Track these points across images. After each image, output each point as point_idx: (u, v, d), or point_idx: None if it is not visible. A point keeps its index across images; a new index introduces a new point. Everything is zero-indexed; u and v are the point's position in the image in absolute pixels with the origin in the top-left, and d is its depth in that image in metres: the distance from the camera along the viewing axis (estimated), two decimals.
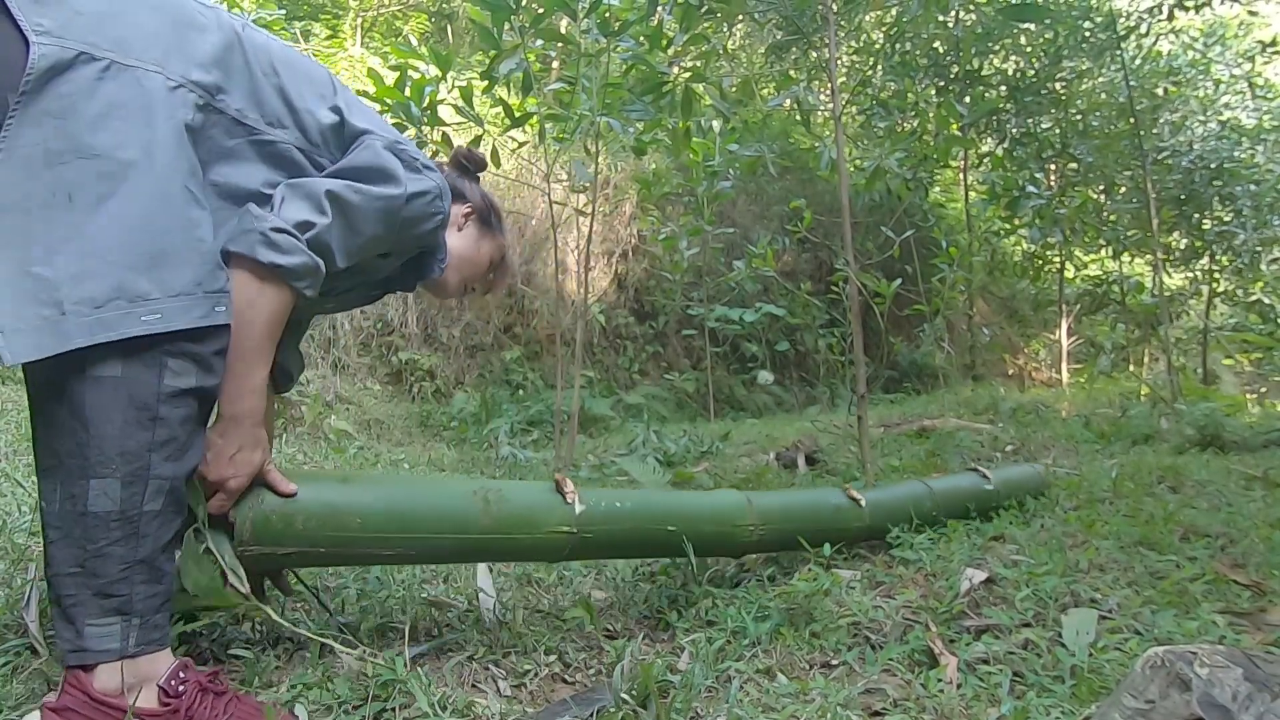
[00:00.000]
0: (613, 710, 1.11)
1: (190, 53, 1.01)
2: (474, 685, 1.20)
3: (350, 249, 1.12)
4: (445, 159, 1.49)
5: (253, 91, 1.07)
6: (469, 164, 1.46)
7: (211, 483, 1.03)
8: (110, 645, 0.90)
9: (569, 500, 1.36)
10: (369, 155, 1.14)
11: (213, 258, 0.99)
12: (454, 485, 1.39)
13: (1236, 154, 7.77)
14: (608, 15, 3.18)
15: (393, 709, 1.08)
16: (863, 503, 1.91)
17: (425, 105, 3.21)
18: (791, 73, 6.04)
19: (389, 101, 3.18)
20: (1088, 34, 6.75)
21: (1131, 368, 9.85)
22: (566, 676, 1.27)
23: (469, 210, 1.40)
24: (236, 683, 1.09)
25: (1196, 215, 8.00)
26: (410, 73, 3.25)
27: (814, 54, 5.76)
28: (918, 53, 6.61)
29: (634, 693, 1.13)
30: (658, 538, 1.50)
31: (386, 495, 1.22)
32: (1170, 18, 6.31)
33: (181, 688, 0.94)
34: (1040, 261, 9.36)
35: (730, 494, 1.74)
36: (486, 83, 3.27)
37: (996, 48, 7.25)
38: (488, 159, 1.53)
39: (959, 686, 1.22)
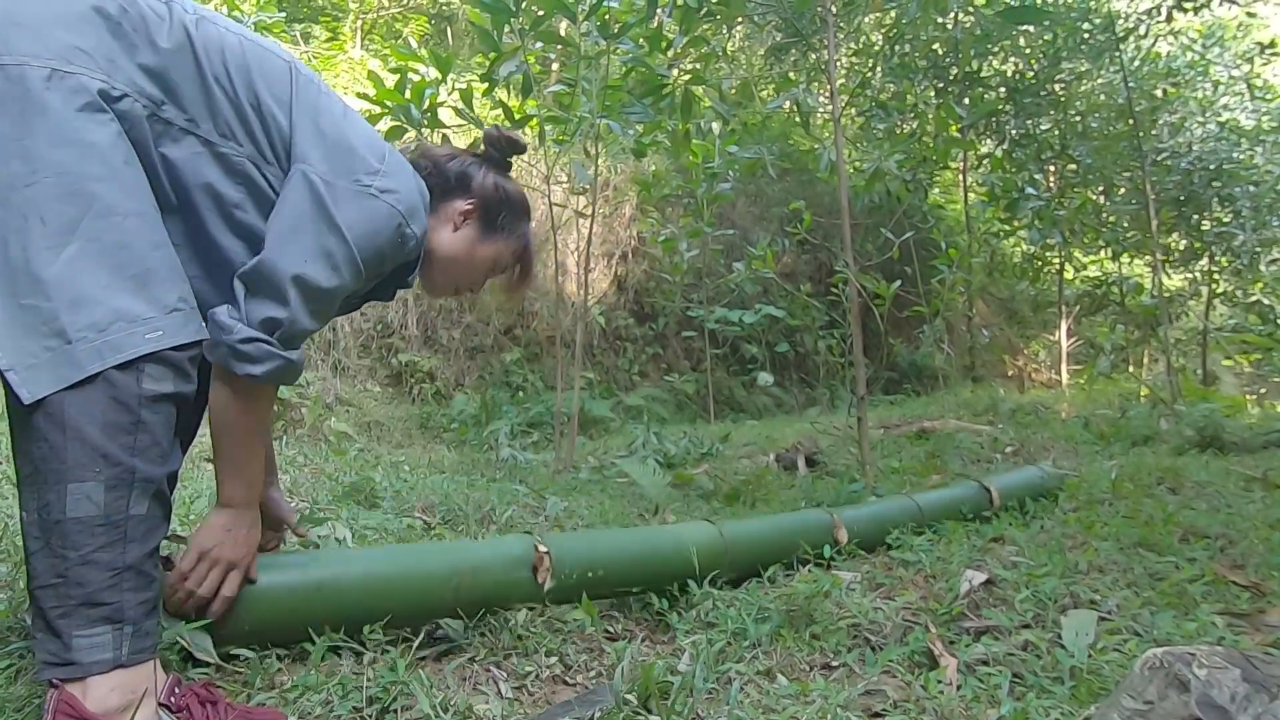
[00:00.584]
0: (614, 712, 1.11)
1: (137, 57, 0.96)
2: (475, 687, 1.20)
3: (322, 312, 1.09)
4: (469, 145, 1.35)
5: (204, 99, 1.02)
6: (497, 148, 1.32)
7: (229, 563, 1.06)
8: (102, 655, 0.86)
9: (539, 580, 1.37)
10: (304, 199, 1.04)
11: (184, 274, 0.99)
12: (427, 570, 1.30)
13: (1235, 155, 7.79)
14: (607, 18, 3.18)
15: (394, 711, 1.08)
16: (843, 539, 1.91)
17: (425, 108, 3.22)
18: (791, 75, 6.04)
19: (389, 104, 3.19)
20: (1086, 35, 6.76)
21: (1131, 369, 9.86)
22: (567, 678, 1.27)
23: (469, 208, 1.26)
24: (239, 684, 1.09)
25: (1196, 216, 8.01)
26: (410, 75, 3.26)
27: (813, 56, 5.77)
28: (917, 54, 6.62)
29: (635, 694, 1.14)
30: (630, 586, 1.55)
31: (357, 585, 1.20)
32: (1169, 19, 6.33)
33: (183, 703, 0.92)
34: (1040, 263, 9.37)
35: (704, 532, 1.69)
36: (486, 85, 3.28)
37: (995, 49, 7.26)
38: (524, 143, 1.35)
39: (959, 688, 1.22)
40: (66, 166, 0.87)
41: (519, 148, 1.33)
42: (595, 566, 1.46)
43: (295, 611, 1.16)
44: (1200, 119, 8.23)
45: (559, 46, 3.52)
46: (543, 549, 1.39)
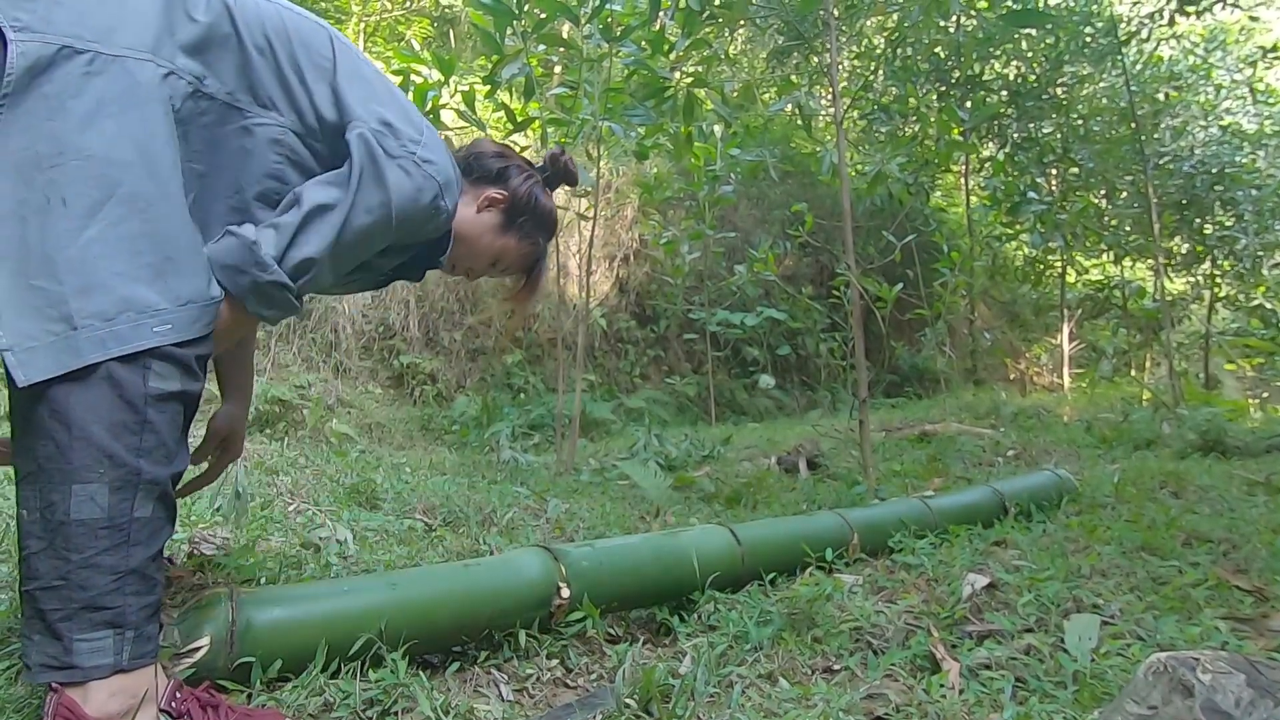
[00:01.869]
0: (615, 715, 1.11)
1: (178, 33, 0.95)
2: (476, 690, 1.20)
3: (342, 269, 1.08)
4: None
5: (243, 70, 1.01)
6: (554, 169, 1.37)
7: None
8: (103, 660, 0.84)
9: (553, 616, 1.35)
10: (359, 156, 1.03)
11: (207, 268, 0.97)
12: (448, 616, 1.25)
13: (1238, 159, 7.79)
14: (609, 20, 3.19)
15: (394, 714, 1.08)
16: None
17: (428, 110, 3.23)
18: (793, 78, 6.05)
19: None
20: (1089, 39, 6.77)
21: (1133, 372, 9.85)
22: (568, 681, 1.27)
23: (499, 197, 1.28)
24: (240, 684, 1.09)
25: (1198, 220, 8.01)
26: (413, 77, 3.27)
27: (815, 59, 5.77)
28: (919, 58, 6.62)
29: (636, 697, 1.13)
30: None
31: (372, 620, 1.16)
32: (1171, 23, 6.33)
33: (184, 708, 0.91)
34: (1041, 266, 9.37)
35: (719, 537, 1.68)
36: (489, 87, 3.28)
37: (998, 53, 7.26)
38: (577, 176, 1.39)
39: (961, 692, 1.22)
40: (94, 150, 0.86)
41: (572, 180, 1.37)
42: (614, 599, 1.46)
43: (316, 637, 1.13)
44: (1202, 123, 8.24)
45: (561, 49, 3.53)
46: (564, 594, 1.35)
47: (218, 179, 1.01)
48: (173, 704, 0.91)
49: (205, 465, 1.34)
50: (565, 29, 4.29)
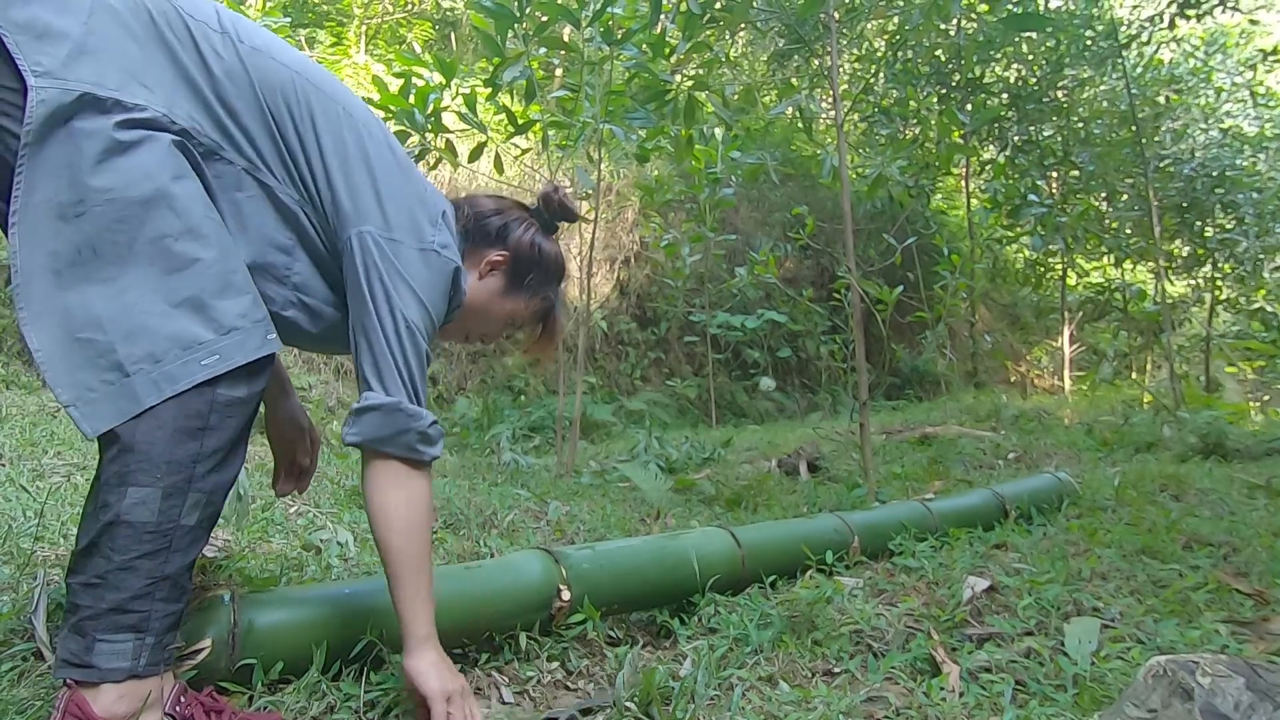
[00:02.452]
0: (615, 717, 1.11)
1: (196, 89, 0.95)
2: (476, 692, 1.20)
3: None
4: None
5: (257, 133, 0.99)
6: (547, 210, 1.28)
7: (466, 692, 1.04)
8: (120, 664, 0.85)
9: (553, 618, 1.35)
10: (374, 259, 1.03)
11: (248, 284, 0.96)
12: (452, 620, 1.22)
13: (1238, 162, 7.80)
14: (611, 23, 3.19)
15: (395, 715, 1.08)
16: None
17: (429, 112, 3.23)
18: (793, 80, 6.06)
19: (393, 109, 3.20)
20: (1089, 42, 6.78)
21: (1134, 375, 9.85)
22: (569, 684, 1.27)
23: (499, 259, 1.22)
24: (242, 685, 1.09)
25: (1198, 223, 8.01)
26: (414, 80, 3.27)
27: (816, 62, 5.78)
28: (920, 61, 6.64)
29: (636, 700, 1.14)
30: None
31: (375, 620, 1.17)
32: (1171, 26, 6.34)
33: (188, 712, 0.92)
34: (1042, 269, 9.37)
35: (719, 539, 1.68)
36: (490, 90, 3.29)
37: (998, 56, 7.28)
38: (577, 213, 1.32)
39: (961, 695, 1.22)
40: (112, 192, 0.86)
41: (570, 216, 1.30)
42: (614, 602, 1.46)
43: (316, 638, 1.13)
44: (1203, 125, 8.25)
45: (562, 52, 3.54)
46: (565, 596, 1.36)
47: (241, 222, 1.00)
48: (177, 708, 0.92)
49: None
50: (566, 32, 4.30)
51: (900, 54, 6.30)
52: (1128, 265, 9.06)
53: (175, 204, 0.90)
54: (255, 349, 0.93)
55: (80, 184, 0.85)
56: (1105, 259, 8.99)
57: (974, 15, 6.19)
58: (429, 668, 1.02)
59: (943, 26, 6.31)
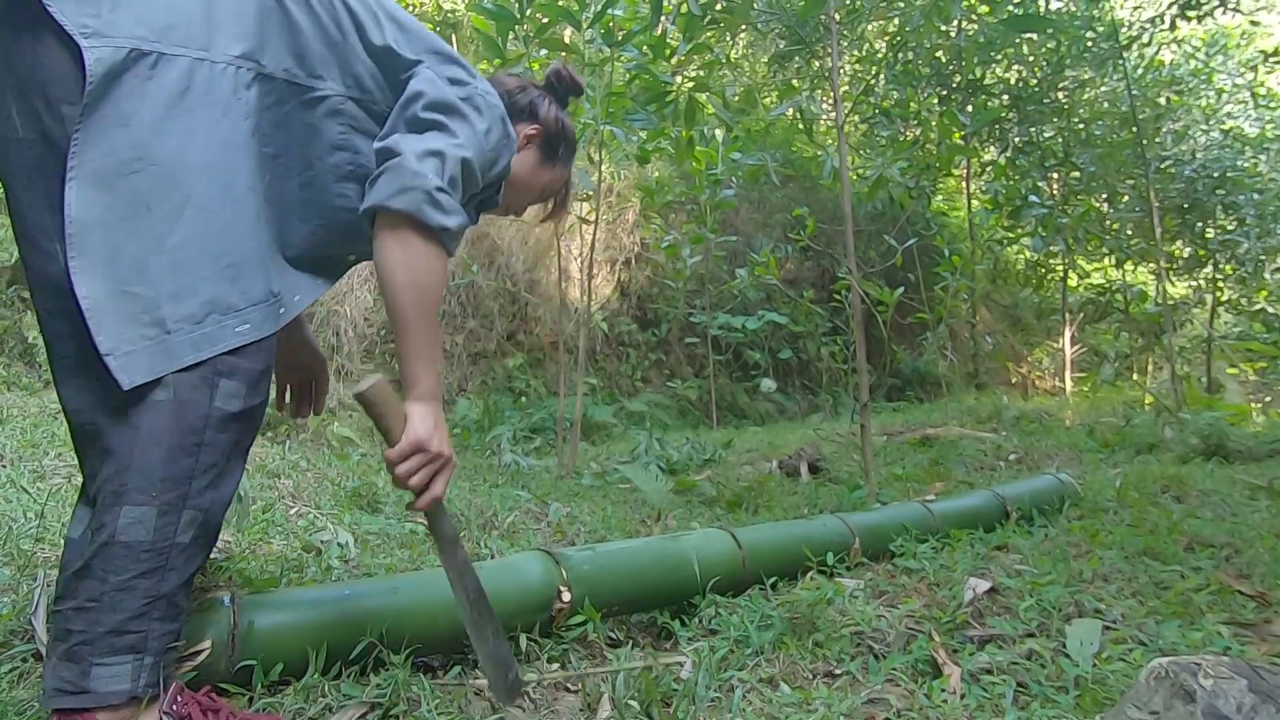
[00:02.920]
0: (616, 718, 1.11)
1: (231, 22, 0.95)
2: (477, 693, 1.20)
3: (464, 201, 1.06)
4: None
5: (293, 42, 0.99)
6: (559, 85, 1.34)
7: (445, 459, 1.00)
8: (119, 686, 0.84)
9: (554, 619, 1.36)
10: (435, 93, 1.02)
11: (270, 262, 0.98)
12: (452, 620, 1.22)
13: (1239, 163, 7.79)
14: (611, 25, 3.20)
15: (395, 716, 1.08)
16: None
17: None
18: (794, 82, 6.06)
19: None
20: (1090, 43, 6.77)
21: (1135, 376, 9.84)
22: (569, 685, 1.27)
23: (534, 132, 1.28)
24: (242, 687, 1.09)
25: (1199, 224, 8.01)
26: None
27: (816, 63, 5.78)
28: (920, 62, 6.63)
29: (637, 701, 1.13)
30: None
31: (378, 623, 1.17)
32: (1172, 27, 6.34)
33: (185, 711, 0.91)
34: (1043, 270, 9.37)
35: (720, 541, 1.68)
36: None
37: (999, 57, 7.27)
38: (583, 86, 1.39)
39: (962, 697, 1.22)
40: (167, 155, 0.88)
41: (579, 90, 1.36)
42: (615, 603, 1.45)
43: (314, 641, 1.13)
44: (1204, 127, 8.24)
45: (563, 54, 3.54)
46: (565, 598, 1.36)
47: (289, 158, 1.01)
48: (174, 707, 0.91)
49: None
50: (567, 34, 4.31)
51: (901, 55, 6.30)
52: (1129, 266, 9.05)
53: (219, 173, 0.92)
54: (274, 324, 0.96)
55: (137, 142, 0.86)
56: (1106, 260, 8.98)
57: (974, 16, 6.19)
58: (428, 417, 0.99)
59: (943, 28, 6.31)
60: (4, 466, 2.09)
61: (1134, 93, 6.88)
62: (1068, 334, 8.87)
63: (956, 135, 5.38)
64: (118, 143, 0.85)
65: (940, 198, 9.63)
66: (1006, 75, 7.68)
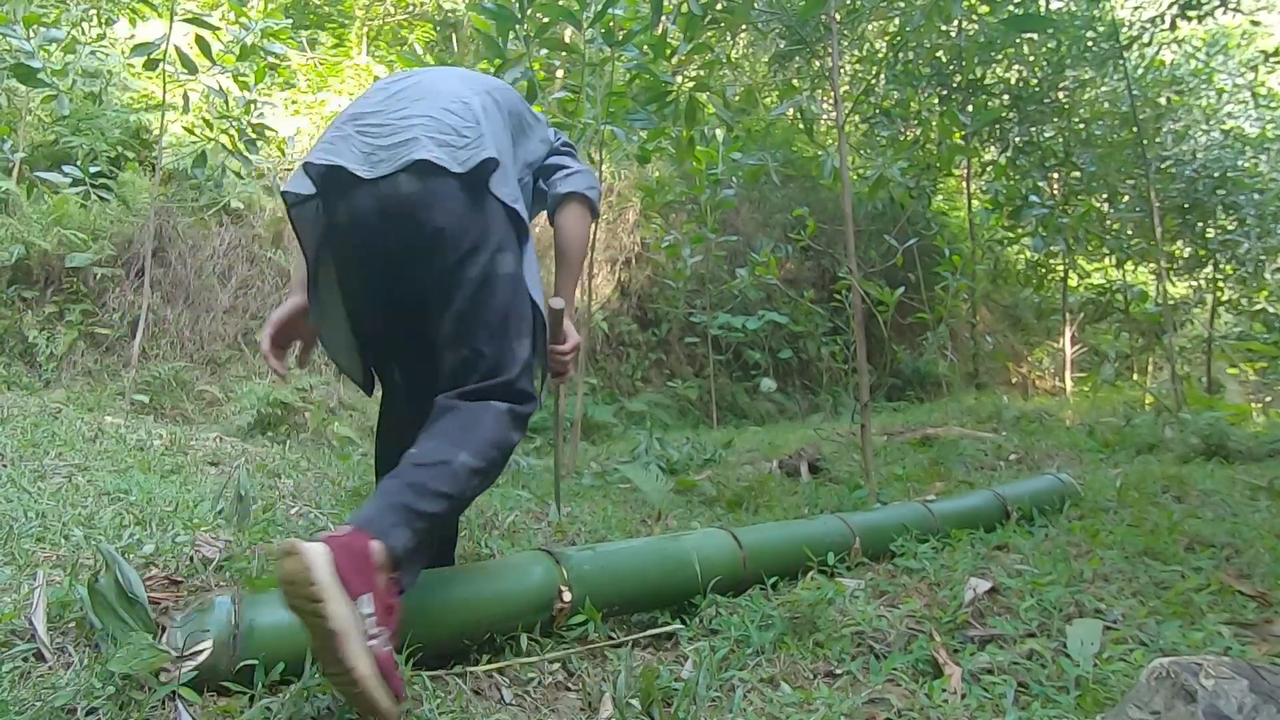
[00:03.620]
0: (616, 718, 1.11)
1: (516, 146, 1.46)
2: (476, 692, 1.20)
3: None
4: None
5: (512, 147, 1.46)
6: None
7: (574, 347, 1.55)
8: (397, 541, 1.08)
9: (554, 619, 1.36)
10: (564, 138, 1.65)
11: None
12: (455, 620, 1.29)
13: (1240, 163, 7.78)
14: (612, 25, 3.20)
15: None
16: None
17: None
18: (794, 82, 6.06)
19: None
20: (1090, 43, 6.77)
21: (1135, 376, 9.84)
22: (570, 684, 1.27)
23: None
24: (243, 686, 1.09)
25: (1200, 224, 8.00)
26: None
27: (817, 63, 5.78)
28: (920, 62, 6.63)
29: (638, 701, 1.13)
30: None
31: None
32: (1173, 27, 6.33)
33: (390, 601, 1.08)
34: (1043, 270, 9.37)
35: (720, 540, 1.69)
36: None
37: (999, 57, 7.27)
38: None
39: (963, 696, 1.22)
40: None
41: None
42: (615, 603, 1.46)
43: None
44: (1204, 127, 8.24)
45: (563, 53, 3.54)
46: (566, 597, 1.37)
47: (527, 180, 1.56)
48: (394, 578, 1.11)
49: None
50: (567, 33, 4.31)
51: (901, 55, 6.30)
52: (1129, 266, 9.04)
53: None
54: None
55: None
56: (1106, 260, 8.98)
57: (975, 16, 6.19)
58: (567, 322, 1.52)
59: (944, 28, 6.31)
60: (4, 466, 2.09)
61: (1134, 93, 6.87)
62: (1068, 334, 8.87)
63: (957, 135, 5.38)
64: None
65: (940, 198, 9.64)
66: (1007, 75, 7.67)
